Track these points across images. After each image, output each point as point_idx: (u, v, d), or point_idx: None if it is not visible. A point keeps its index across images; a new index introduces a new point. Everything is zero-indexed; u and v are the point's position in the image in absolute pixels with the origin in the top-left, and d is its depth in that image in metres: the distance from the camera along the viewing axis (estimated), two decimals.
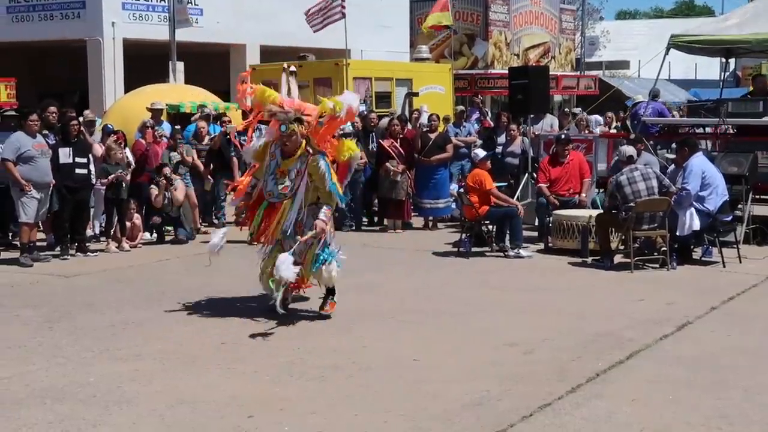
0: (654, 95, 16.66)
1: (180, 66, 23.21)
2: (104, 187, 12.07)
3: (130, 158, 12.82)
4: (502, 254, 11.59)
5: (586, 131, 16.52)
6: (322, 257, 8.15)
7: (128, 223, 12.33)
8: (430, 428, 5.50)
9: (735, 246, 11.12)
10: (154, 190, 12.72)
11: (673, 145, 13.48)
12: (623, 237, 10.98)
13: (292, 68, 8.80)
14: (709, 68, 38.59)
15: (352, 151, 8.51)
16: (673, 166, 12.04)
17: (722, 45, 14.13)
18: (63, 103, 16.44)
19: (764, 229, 12.29)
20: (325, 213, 8.12)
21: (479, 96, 21.71)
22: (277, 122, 8.16)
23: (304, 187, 8.16)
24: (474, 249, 11.76)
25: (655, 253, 11.02)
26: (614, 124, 20.07)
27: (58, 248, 11.63)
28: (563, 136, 13.16)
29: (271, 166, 8.25)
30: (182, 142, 13.87)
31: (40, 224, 11.66)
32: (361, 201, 14.36)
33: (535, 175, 13.35)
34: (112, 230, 12.15)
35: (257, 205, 8.45)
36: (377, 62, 22.43)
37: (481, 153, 12.27)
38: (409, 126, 15.01)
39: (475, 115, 18.69)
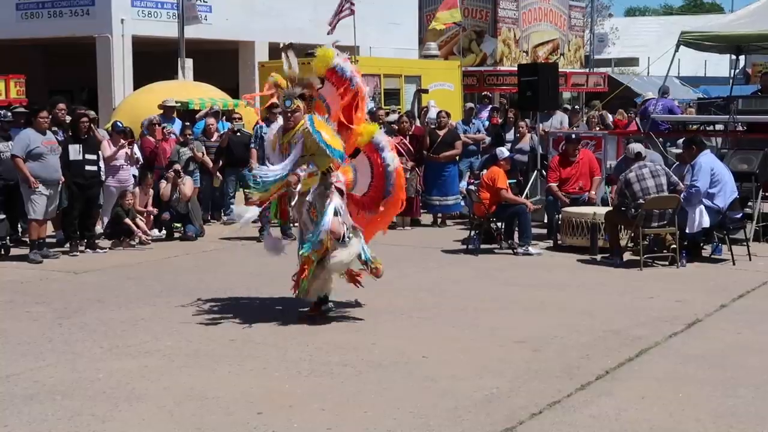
0: (664, 92, 16.61)
1: (189, 63, 23.22)
2: (113, 185, 12.20)
3: (139, 155, 12.84)
4: (510, 251, 11.57)
5: (597, 129, 16.46)
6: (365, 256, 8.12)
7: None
8: (440, 425, 5.50)
9: (745, 243, 11.09)
10: (163, 183, 12.77)
11: (679, 141, 13.45)
12: (632, 234, 10.96)
13: (290, 41, 8.59)
14: (719, 65, 38.43)
15: (369, 132, 8.20)
16: (677, 162, 12.00)
17: (733, 41, 14.09)
18: (72, 100, 16.47)
19: None
20: (304, 169, 7.72)
21: (491, 93, 21.54)
22: (280, 96, 7.90)
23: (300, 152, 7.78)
24: (483, 246, 11.74)
25: (665, 251, 10.98)
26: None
27: (68, 245, 11.66)
28: (573, 136, 13.11)
29: (278, 147, 8.03)
30: (193, 139, 13.91)
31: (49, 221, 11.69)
32: None
33: (544, 172, 13.31)
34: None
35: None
36: (386, 59, 22.42)
37: (505, 151, 12.16)
38: (418, 123, 14.98)
39: (486, 113, 18.62)
